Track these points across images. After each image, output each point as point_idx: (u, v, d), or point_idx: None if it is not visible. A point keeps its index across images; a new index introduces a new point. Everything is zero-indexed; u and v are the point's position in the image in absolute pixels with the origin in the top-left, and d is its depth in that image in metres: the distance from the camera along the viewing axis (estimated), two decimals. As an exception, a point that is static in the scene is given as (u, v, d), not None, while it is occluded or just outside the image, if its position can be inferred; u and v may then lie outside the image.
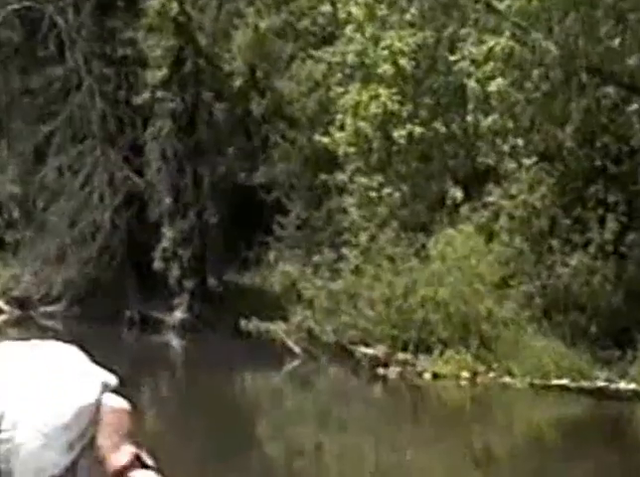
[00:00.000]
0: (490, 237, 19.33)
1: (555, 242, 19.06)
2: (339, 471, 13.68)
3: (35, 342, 1.66)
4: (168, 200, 25.74)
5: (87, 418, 1.60)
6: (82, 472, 1.64)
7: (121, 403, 1.73)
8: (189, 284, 25.38)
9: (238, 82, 27.03)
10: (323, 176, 22.55)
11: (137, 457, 1.76)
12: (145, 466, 1.77)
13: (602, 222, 18.79)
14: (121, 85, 26.56)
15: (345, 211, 21.92)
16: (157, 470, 1.78)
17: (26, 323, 25.70)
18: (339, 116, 18.14)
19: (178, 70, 25.66)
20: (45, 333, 24.94)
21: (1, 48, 27.10)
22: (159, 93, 25.49)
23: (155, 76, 25.48)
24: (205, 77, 26.33)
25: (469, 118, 16.45)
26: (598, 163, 19.34)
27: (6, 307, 27.23)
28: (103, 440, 1.69)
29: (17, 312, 26.91)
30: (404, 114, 17.04)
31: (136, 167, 26.32)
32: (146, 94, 25.58)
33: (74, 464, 1.62)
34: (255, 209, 25.96)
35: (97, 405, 1.61)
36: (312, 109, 25.21)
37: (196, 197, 25.85)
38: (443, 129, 16.97)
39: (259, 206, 26.06)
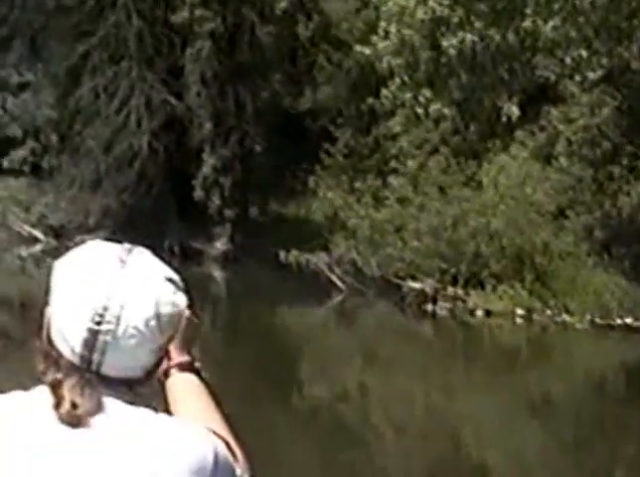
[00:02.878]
0: (547, 162, 18.14)
1: (617, 170, 18.00)
2: (383, 413, 12.96)
3: (128, 246, 1.74)
4: (208, 125, 24.89)
5: (177, 324, 1.70)
6: (155, 380, 1.73)
7: (190, 312, 1.83)
8: (230, 214, 24.72)
9: (283, 4, 25.92)
10: (370, 100, 21.46)
11: (191, 363, 1.84)
12: (194, 370, 1.84)
13: (671, 146, 17.52)
14: (159, 3, 25.44)
15: (393, 138, 20.91)
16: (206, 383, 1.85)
17: (64, 253, 24.92)
18: (382, 24, 16.66)
19: (219, -13, 24.57)
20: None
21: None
22: (198, 12, 24.44)
23: (194, -7, 24.43)
24: (247, -5, 25.20)
25: (527, 24, 14.91)
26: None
27: (42, 236, 26.55)
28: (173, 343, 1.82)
29: (53, 242, 26.20)
30: (455, 21, 15.51)
31: (175, 90, 25.31)
32: (185, 13, 24.58)
33: (153, 369, 1.71)
34: (302, 136, 25.01)
35: (183, 313, 1.72)
36: (360, 30, 24.07)
37: (238, 122, 24.89)
38: (498, 38, 15.45)
39: (306, 133, 25.11)
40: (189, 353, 1.85)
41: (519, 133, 18.65)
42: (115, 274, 1.68)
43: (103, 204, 25.65)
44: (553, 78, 17.20)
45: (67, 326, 1.67)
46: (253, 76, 25.26)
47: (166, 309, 1.69)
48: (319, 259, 19.18)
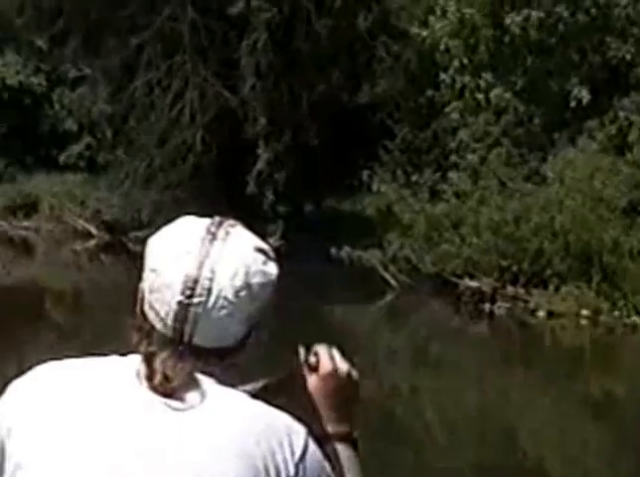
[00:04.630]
0: (619, 155, 17.16)
1: (693, 163, 16.91)
2: (436, 416, 12.44)
3: (219, 219, 1.75)
4: (263, 119, 24.24)
5: (268, 293, 1.73)
6: (250, 348, 1.73)
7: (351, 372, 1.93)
8: (284, 210, 24.11)
9: (342, -5, 25.20)
10: (429, 92, 20.65)
11: (349, 434, 1.84)
12: (352, 442, 1.85)
13: None
14: (214, -6, 24.87)
15: (453, 131, 20.07)
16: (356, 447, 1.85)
17: (117, 248, 24.72)
18: (440, 2, 15.69)
19: (275, -23, 23.96)
20: (136, 260, 24.03)
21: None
22: (254, 3, 23.87)
23: (250, -17, 23.80)
24: (304, -15, 24.53)
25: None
26: None
27: (96, 231, 26.30)
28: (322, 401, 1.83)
29: (107, 237, 25.96)
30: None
31: (229, 83, 24.70)
32: (241, 4, 23.88)
33: (245, 337, 1.71)
34: (358, 130, 24.29)
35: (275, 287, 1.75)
36: (419, 19, 23.27)
37: (293, 116, 24.24)
38: (567, 15, 14.38)
39: (363, 127, 24.37)
40: (348, 419, 1.83)
41: (588, 124, 17.71)
42: (205, 247, 1.69)
43: (156, 199, 25.17)
44: (627, 58, 16.02)
45: (158, 300, 1.68)
46: (310, 68, 24.58)
47: (256, 279, 1.71)
48: (372, 256, 18.44)
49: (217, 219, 1.75)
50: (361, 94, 24.96)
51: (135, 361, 1.67)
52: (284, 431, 1.66)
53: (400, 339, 16.84)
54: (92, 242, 25.89)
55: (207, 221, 1.74)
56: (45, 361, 1.73)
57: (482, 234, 17.37)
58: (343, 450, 1.82)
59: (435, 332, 16.80)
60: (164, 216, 24.95)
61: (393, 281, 18.41)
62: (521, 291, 17.03)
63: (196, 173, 24.61)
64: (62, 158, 27.71)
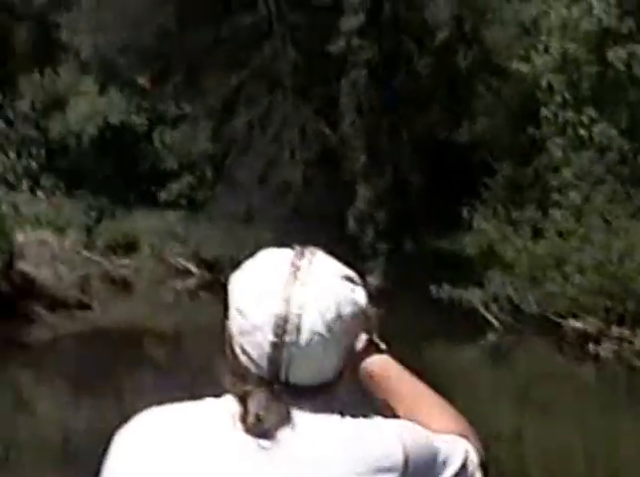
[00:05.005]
0: None
1: None
2: (540, 462, 11.97)
3: (300, 249, 1.68)
4: (363, 157, 24.18)
5: (358, 321, 1.68)
6: (346, 380, 1.70)
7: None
8: (384, 248, 23.88)
9: (442, 34, 25.08)
10: (530, 129, 20.37)
11: (370, 341, 1.85)
12: (379, 350, 1.86)
13: None
14: (315, 33, 24.94)
15: (555, 169, 19.72)
16: (389, 353, 1.89)
17: (217, 287, 24.67)
18: (543, 38, 15.48)
19: (376, 16, 23.91)
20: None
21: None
22: (355, 42, 23.85)
23: (351, 22, 23.82)
24: (405, 24, 24.48)
25: None
26: None
27: (196, 270, 26.34)
28: None
29: (207, 275, 25.96)
30: (624, 31, 14.20)
31: (329, 121, 24.73)
32: (341, 42, 23.95)
33: (342, 370, 1.67)
34: (459, 168, 24.08)
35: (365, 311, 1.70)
36: (522, 56, 23.05)
37: (393, 154, 24.13)
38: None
39: (464, 165, 24.16)
40: (369, 332, 1.82)
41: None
42: (290, 282, 1.62)
43: (257, 237, 25.23)
44: None
45: (249, 343, 1.63)
46: (410, 106, 24.48)
47: (347, 309, 1.65)
48: (473, 295, 18.15)
49: (298, 249, 1.68)
50: (461, 131, 24.80)
51: (230, 402, 1.63)
52: (380, 446, 1.61)
53: (502, 380, 16.49)
54: (193, 281, 25.91)
55: (288, 253, 1.67)
56: (146, 405, 1.71)
57: (586, 273, 16.99)
58: (382, 359, 1.84)
59: (538, 373, 16.41)
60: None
61: (494, 321, 18.11)
62: (627, 332, 16.58)
63: (297, 210, 24.63)
64: (162, 196, 27.93)
